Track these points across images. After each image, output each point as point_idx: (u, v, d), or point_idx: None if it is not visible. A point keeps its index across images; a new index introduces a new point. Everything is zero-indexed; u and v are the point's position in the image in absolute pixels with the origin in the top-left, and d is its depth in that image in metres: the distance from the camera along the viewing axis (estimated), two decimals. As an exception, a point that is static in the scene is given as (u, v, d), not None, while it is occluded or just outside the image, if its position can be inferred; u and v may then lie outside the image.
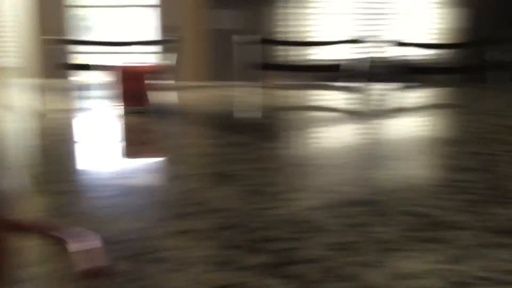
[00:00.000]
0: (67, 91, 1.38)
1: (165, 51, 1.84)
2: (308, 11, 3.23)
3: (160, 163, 0.70)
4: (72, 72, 1.90)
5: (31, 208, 0.53)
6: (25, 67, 3.10)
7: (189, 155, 0.74)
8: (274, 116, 1.03)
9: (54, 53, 3.01)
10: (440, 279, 0.37)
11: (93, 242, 0.45)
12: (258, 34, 1.81)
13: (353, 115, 1.06)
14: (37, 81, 1.57)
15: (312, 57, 3.37)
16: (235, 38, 1.71)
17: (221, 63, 3.12)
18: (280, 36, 3.14)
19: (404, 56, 1.83)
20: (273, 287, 0.37)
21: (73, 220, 0.50)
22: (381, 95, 1.36)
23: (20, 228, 0.48)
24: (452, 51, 4.03)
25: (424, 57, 3.98)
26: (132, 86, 1.06)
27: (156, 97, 1.11)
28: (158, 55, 3.03)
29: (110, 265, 0.40)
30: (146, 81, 1.07)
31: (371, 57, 2.54)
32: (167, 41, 1.83)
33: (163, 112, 1.09)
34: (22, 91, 1.38)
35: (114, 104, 1.08)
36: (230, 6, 3.06)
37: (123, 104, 1.07)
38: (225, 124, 0.96)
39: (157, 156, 0.74)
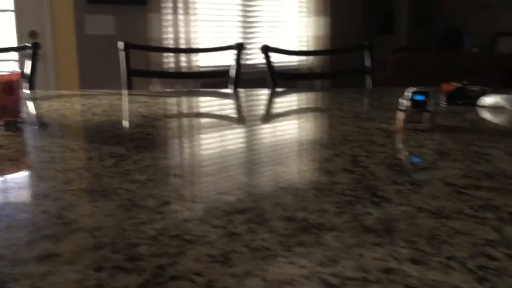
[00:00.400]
0: None
1: (26, 58, 1.71)
2: (188, 17, 3.22)
3: (25, 180, 0.64)
4: None
5: None
6: None
7: (58, 170, 0.68)
8: (152, 125, 1.00)
9: None
10: (321, 282, 0.37)
11: None
12: (135, 40, 1.75)
13: (229, 121, 1.06)
14: None
15: (194, 64, 3.35)
16: (119, 44, 1.64)
17: (95, 70, 2.99)
18: (155, 42, 3.08)
19: (275, 62, 1.88)
20: (149, 308, 0.34)
21: None
22: (255, 100, 1.38)
23: None
24: (321, 57, 4.25)
25: (295, 63, 4.15)
26: (-8, 97, 0.97)
27: (18, 108, 1.02)
28: (17, 63, 2.82)
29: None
30: (3, 91, 0.98)
31: (245, 64, 2.58)
32: (27, 48, 1.71)
33: (27, 124, 1.01)
34: None
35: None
36: (106, 11, 2.95)
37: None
38: (99, 135, 0.91)
39: (21, 173, 0.67)
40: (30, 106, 1.25)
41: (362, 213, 0.52)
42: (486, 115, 1.15)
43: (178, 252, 0.43)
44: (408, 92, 0.92)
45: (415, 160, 0.67)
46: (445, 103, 1.29)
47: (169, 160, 0.74)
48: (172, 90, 1.59)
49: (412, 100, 0.93)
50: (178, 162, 0.73)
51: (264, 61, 1.81)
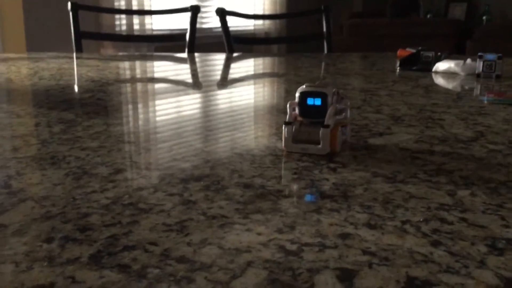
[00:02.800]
0: None
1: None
2: (137, -21, 3.11)
3: (-34, 148, 0.61)
4: None
5: None
6: None
7: (4, 137, 0.65)
8: (103, 90, 0.96)
9: None
10: (278, 248, 0.37)
11: None
12: (85, 1, 1.67)
13: (184, 86, 1.03)
14: None
15: (148, 27, 3.25)
16: (68, 4, 1.56)
17: (43, 31, 2.86)
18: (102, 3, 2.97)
19: (231, 26, 1.85)
20: (105, 278, 0.33)
21: None
22: (210, 65, 1.36)
23: None
24: (278, 22, 4.21)
25: (251, 28, 4.10)
26: None
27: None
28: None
29: None
30: None
31: (200, 27, 2.54)
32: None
33: (-29, 89, 0.95)
34: None
35: None
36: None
37: None
38: (47, 100, 0.87)
39: (-38, 140, 0.64)
40: (-28, 70, 1.18)
41: (319, 179, 0.51)
42: (439, 80, 1.17)
43: (132, 221, 0.42)
44: (301, 90, 0.58)
45: (310, 199, 0.46)
46: (399, 69, 1.30)
47: (122, 126, 0.72)
48: (125, 54, 1.54)
49: (302, 105, 0.58)
50: (131, 129, 0.71)
51: (220, 24, 1.77)
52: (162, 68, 1.30)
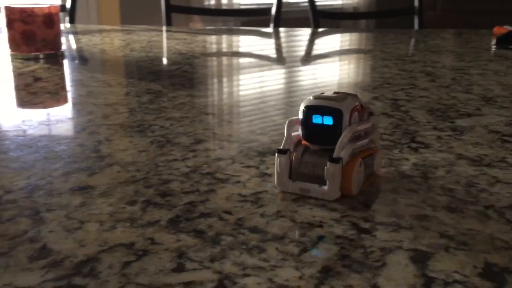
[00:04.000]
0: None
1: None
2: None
3: (63, 113, 0.65)
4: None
5: None
6: None
7: (96, 104, 0.69)
8: (189, 63, 0.99)
9: None
10: (351, 225, 0.37)
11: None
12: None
13: (268, 61, 1.03)
14: None
15: (235, 1, 3.28)
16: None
17: (136, 5, 2.97)
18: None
19: (318, 0, 1.82)
20: (181, 242, 0.35)
21: (-44, 179, 0.45)
22: (295, 40, 1.35)
23: None
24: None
25: (339, 2, 4.01)
26: (28, 29, 0.97)
27: (58, 42, 1.02)
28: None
29: (-4, 228, 0.36)
30: (43, 24, 0.98)
31: (286, 2, 2.50)
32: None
33: (66, 58, 1.01)
34: None
35: (8, 49, 0.98)
36: None
37: (19, 49, 0.97)
38: (136, 71, 0.91)
39: (59, 106, 0.68)
40: (70, 40, 1.26)
41: (399, 158, 0.50)
42: (540, 61, 1.08)
43: (209, 190, 0.43)
44: (305, 103, 0.42)
45: (316, 253, 0.33)
46: (495, 47, 1.22)
47: (205, 98, 0.73)
48: (212, 27, 1.56)
49: (307, 125, 0.41)
50: (214, 101, 0.72)
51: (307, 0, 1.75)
52: (247, 42, 1.31)
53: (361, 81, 0.85)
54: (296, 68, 0.96)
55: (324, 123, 0.40)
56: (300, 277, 0.31)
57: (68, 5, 1.67)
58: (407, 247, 0.34)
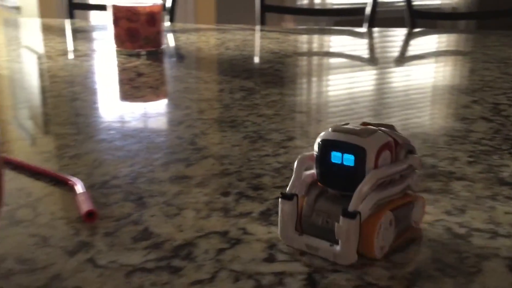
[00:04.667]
0: (72, 31, 1.35)
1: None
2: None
3: (162, 107, 0.69)
4: (78, 11, 1.86)
5: (33, 149, 0.52)
6: (27, 6, 3.05)
7: (192, 100, 0.72)
8: (281, 62, 1.00)
9: (61, -5, 2.94)
10: (445, 230, 0.36)
11: (81, 186, 0.44)
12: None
13: (361, 62, 1.02)
14: (40, 21, 1.54)
15: (328, 1, 3.27)
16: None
17: (231, 5, 3.04)
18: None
19: (414, 0, 1.76)
20: (271, 234, 0.36)
21: (70, 163, 0.49)
22: (390, 41, 1.32)
23: (24, 168, 0.47)
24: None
25: (437, 2, 3.85)
26: (132, 26, 1.03)
27: (159, 39, 1.08)
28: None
29: (97, 209, 0.39)
30: (146, 22, 1.04)
31: (381, 1, 2.44)
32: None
33: (165, 55, 1.06)
34: (26, 31, 1.35)
35: (114, 45, 1.05)
36: None
37: (124, 45, 1.04)
38: (231, 69, 0.94)
39: (159, 100, 0.72)
40: (170, 38, 1.32)
41: (498, 165, 0.48)
42: None
43: (300, 185, 0.44)
44: (322, 136, 0.33)
45: None
46: None
47: (296, 97, 0.74)
48: (304, 27, 1.57)
49: (323, 163, 0.33)
50: (304, 100, 0.73)
51: (402, -1, 1.70)
52: (339, 42, 1.30)
53: (458, 83, 0.82)
54: (389, 69, 0.95)
55: (344, 163, 0.31)
56: (391, 277, 0.31)
57: (169, 4, 1.75)
58: (505, 255, 0.33)
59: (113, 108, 0.68)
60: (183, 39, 1.31)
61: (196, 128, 0.60)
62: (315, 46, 1.24)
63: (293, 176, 0.34)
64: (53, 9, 2.94)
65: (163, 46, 1.09)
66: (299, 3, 3.16)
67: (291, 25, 2.99)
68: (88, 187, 0.43)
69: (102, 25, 1.48)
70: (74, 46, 1.16)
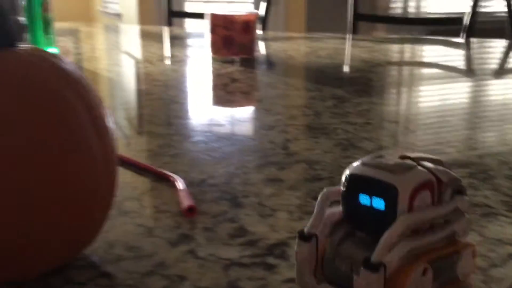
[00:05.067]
0: (170, 38, 1.42)
1: (261, 0, 1.81)
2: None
3: (255, 112, 0.71)
4: (175, 19, 1.95)
5: (133, 147, 0.56)
6: (128, 13, 3.23)
7: (284, 106, 0.74)
8: (373, 71, 1.00)
9: (157, 0, 3.10)
10: (545, 249, 0.34)
11: (182, 182, 0.46)
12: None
13: (456, 73, 0.99)
14: (140, 27, 1.63)
15: (422, 10, 3.18)
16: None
17: (321, 14, 3.05)
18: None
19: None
20: (361, 241, 0.36)
21: (170, 161, 0.52)
22: (488, 52, 1.26)
23: (129, 164, 0.50)
24: None
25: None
26: (228, 34, 1.07)
27: (253, 47, 1.11)
28: (252, 4, 3.02)
29: (198, 205, 0.42)
30: (242, 30, 1.07)
31: (478, 11, 2.33)
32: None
33: (258, 62, 1.09)
34: (127, 37, 1.44)
35: (210, 52, 1.09)
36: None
37: (219, 52, 1.08)
38: (322, 77, 0.94)
39: (252, 105, 0.75)
40: (262, 46, 1.35)
41: None
42: None
43: (392, 195, 0.44)
44: (349, 170, 0.28)
45: None
46: None
47: (388, 106, 0.74)
48: (396, 36, 1.54)
49: (349, 202, 0.28)
50: (397, 110, 0.72)
51: (505, 9, 1.63)
52: (434, 52, 1.27)
53: None
54: (487, 82, 0.91)
55: (373, 206, 0.27)
56: (487, 291, 0.30)
57: (262, 13, 1.79)
58: None
59: (208, 111, 0.71)
60: (275, 47, 1.34)
61: (288, 133, 0.61)
62: (408, 56, 1.21)
63: (314, 213, 0.29)
64: (152, 17, 3.10)
65: (256, 54, 1.12)
66: (392, 11, 3.10)
67: (383, 34, 2.94)
68: (187, 184, 0.46)
69: (197, 32, 1.55)
70: (172, 52, 1.22)
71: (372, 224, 0.27)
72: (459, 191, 0.29)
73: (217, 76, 0.95)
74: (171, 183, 0.46)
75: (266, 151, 0.55)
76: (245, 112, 0.71)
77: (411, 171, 0.27)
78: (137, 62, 1.08)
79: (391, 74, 0.98)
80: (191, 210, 0.40)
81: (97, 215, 0.31)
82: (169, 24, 1.82)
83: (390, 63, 1.09)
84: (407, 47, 1.34)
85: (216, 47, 1.07)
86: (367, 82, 0.89)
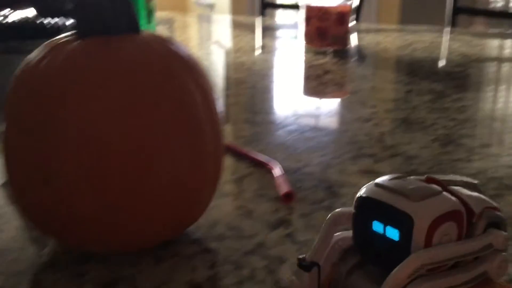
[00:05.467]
0: (263, 28, 1.44)
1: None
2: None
3: (350, 104, 0.71)
4: (268, 10, 1.97)
5: (230, 134, 0.58)
6: (221, 4, 3.30)
7: (379, 99, 0.73)
8: (473, 66, 0.95)
9: (251, -6, 3.13)
10: None
11: (280, 169, 0.47)
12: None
13: None
14: (232, 18, 1.66)
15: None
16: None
17: (416, 5, 2.94)
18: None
19: None
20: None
21: (266, 149, 0.53)
22: None
23: (229, 149, 0.53)
24: None
25: None
26: (322, 25, 1.06)
27: (346, 38, 1.10)
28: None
29: (295, 192, 0.43)
30: (336, 21, 1.06)
31: None
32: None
33: (351, 54, 1.08)
34: (219, 27, 1.47)
35: (303, 43, 1.10)
36: None
37: (313, 43, 1.08)
38: (418, 70, 0.92)
39: (346, 97, 0.74)
40: (356, 38, 1.33)
41: None
42: None
43: (496, 194, 0.42)
44: (362, 191, 0.25)
45: None
46: None
47: (490, 103, 0.70)
48: (499, 30, 1.46)
49: (360, 229, 0.24)
50: (500, 107, 0.69)
51: None
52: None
53: None
54: None
55: (387, 236, 0.23)
56: None
57: (355, 5, 1.77)
58: None
59: (302, 101, 0.72)
60: (368, 39, 1.31)
61: (384, 126, 0.61)
62: (509, 52, 1.15)
63: (318, 238, 0.25)
64: (243, 7, 3.15)
65: (349, 45, 1.11)
66: (491, 5, 2.94)
67: (482, 28, 2.79)
68: (284, 171, 0.47)
69: (289, 23, 1.56)
70: (264, 42, 1.24)
71: (385, 256, 0.23)
72: (496, 223, 0.24)
73: (310, 67, 0.95)
74: (268, 169, 0.47)
75: (361, 143, 0.55)
76: (340, 104, 0.71)
77: (433, 198, 0.22)
78: (230, 51, 1.11)
79: (492, 70, 0.93)
80: (289, 196, 0.41)
81: (205, 195, 0.33)
82: (262, 15, 1.84)
83: (493, 59, 1.04)
84: (509, 42, 1.27)
85: (310, 38, 1.08)
86: (467, 78, 0.86)
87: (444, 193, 0.23)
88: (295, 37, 1.28)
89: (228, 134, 0.58)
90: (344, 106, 0.69)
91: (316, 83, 0.83)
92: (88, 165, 0.28)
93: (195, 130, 0.30)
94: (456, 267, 0.23)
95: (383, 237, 0.23)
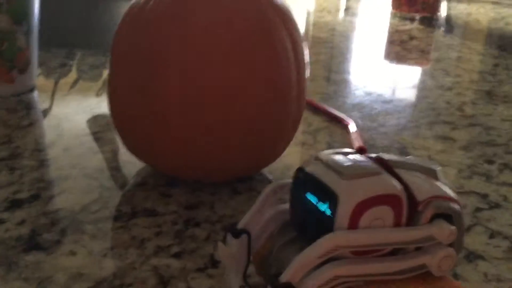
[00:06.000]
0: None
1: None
2: None
3: (432, 72, 0.70)
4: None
5: (309, 90, 0.59)
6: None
7: (464, 69, 0.71)
8: None
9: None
10: None
11: (354, 125, 0.49)
12: None
13: None
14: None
15: None
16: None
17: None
18: None
19: None
20: (532, 208, 0.35)
21: (342, 106, 0.54)
22: None
23: (309, 105, 0.54)
24: None
25: None
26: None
27: (436, 5, 1.06)
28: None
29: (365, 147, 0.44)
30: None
31: None
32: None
33: (439, 22, 1.05)
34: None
35: (390, 7, 1.07)
36: None
37: (401, 8, 1.05)
38: (509, 45, 0.88)
39: (430, 65, 0.73)
40: (446, 6, 1.28)
41: None
42: None
43: None
44: (303, 163, 0.23)
45: None
46: None
47: None
48: None
49: (296, 200, 0.23)
50: None
51: None
52: None
53: None
54: None
55: (320, 210, 0.21)
56: None
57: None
58: None
59: (384, 65, 0.71)
60: (459, 8, 1.26)
61: (466, 96, 0.60)
62: None
63: (252, 208, 0.24)
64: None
65: (439, 13, 1.07)
66: None
67: None
68: (359, 128, 0.48)
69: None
70: (350, 4, 1.22)
71: (316, 232, 0.21)
72: (448, 215, 0.22)
73: (395, 32, 0.94)
74: (343, 125, 0.49)
75: (440, 110, 0.55)
76: (422, 70, 0.70)
77: (366, 178, 0.20)
78: (315, 11, 1.10)
79: None
80: (361, 152, 0.42)
81: (284, 139, 0.35)
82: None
83: None
84: None
85: (398, 2, 1.05)
86: (562, 56, 0.82)
87: (384, 175, 0.21)
88: (382, 1, 1.25)
89: (307, 89, 0.59)
90: (426, 73, 0.68)
91: (400, 48, 0.82)
92: (189, 98, 0.31)
93: (283, 75, 0.32)
94: (392, 256, 0.21)
95: (315, 211, 0.21)
